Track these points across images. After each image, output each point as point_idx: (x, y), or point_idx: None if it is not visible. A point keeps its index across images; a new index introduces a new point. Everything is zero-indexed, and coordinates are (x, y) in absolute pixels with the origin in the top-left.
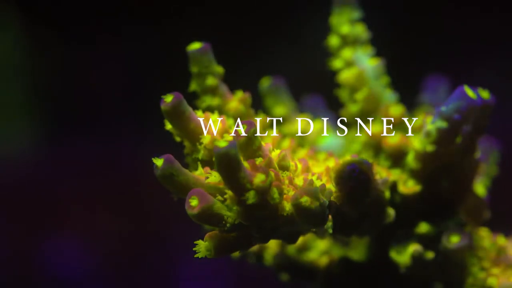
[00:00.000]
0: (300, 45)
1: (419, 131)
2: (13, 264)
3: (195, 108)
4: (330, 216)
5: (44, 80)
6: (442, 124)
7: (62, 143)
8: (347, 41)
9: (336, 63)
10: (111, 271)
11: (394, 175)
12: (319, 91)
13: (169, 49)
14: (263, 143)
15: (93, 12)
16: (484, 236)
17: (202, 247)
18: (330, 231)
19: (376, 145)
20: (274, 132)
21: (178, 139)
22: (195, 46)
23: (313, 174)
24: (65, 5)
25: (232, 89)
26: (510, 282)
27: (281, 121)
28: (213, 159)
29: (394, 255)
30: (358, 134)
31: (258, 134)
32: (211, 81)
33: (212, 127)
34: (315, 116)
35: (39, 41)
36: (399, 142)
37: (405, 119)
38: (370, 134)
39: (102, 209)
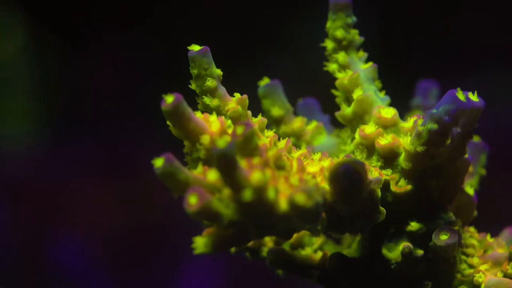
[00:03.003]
0: (296, 49)
1: (410, 133)
2: (17, 260)
3: (195, 109)
4: (324, 214)
5: (48, 80)
6: (433, 126)
7: (66, 142)
8: (341, 45)
9: (331, 67)
10: (113, 266)
11: (386, 175)
12: (314, 94)
13: (169, 52)
14: (260, 143)
15: (96, 15)
16: (472, 234)
17: (200, 243)
18: (323, 228)
19: (369, 146)
20: (271, 133)
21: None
22: (195, 48)
23: (308, 174)
24: (70, 9)
25: (230, 91)
26: (496, 278)
27: (278, 122)
28: (213, 158)
29: (386, 252)
30: (352, 135)
31: (255, 134)
32: (210, 82)
33: (211, 128)
34: (310, 118)
35: (44, 43)
36: (391, 143)
37: (397, 121)
38: (363, 136)
39: (106, 206)
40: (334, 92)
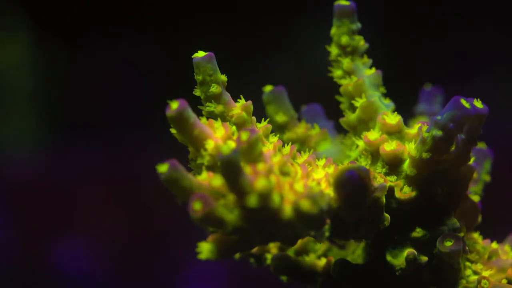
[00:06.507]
0: (300, 54)
1: (415, 139)
2: (19, 265)
3: (200, 115)
4: (328, 220)
5: (50, 85)
6: (437, 132)
7: (69, 146)
8: (346, 51)
9: (336, 73)
10: (115, 271)
11: (390, 181)
12: (318, 99)
13: (173, 56)
14: (264, 150)
15: (100, 19)
16: (477, 240)
17: (204, 249)
18: (328, 234)
19: (373, 152)
20: (275, 139)
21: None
22: (200, 54)
23: (313, 180)
24: (72, 13)
25: (235, 97)
26: (501, 285)
27: (282, 128)
28: (218, 164)
29: (390, 258)
30: (356, 141)
31: (259, 140)
32: (214, 89)
33: (216, 134)
34: (315, 124)
35: (47, 47)
36: (396, 149)
37: (402, 128)
38: (368, 142)
39: (109, 210)
40: (338, 98)
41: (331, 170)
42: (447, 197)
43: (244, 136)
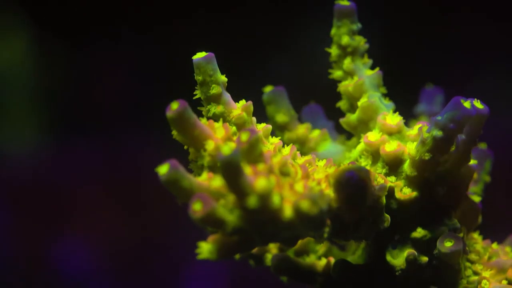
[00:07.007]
0: (300, 55)
1: (415, 140)
2: (18, 265)
3: (200, 115)
4: (328, 221)
5: (51, 85)
6: (438, 133)
7: (69, 147)
8: (346, 52)
9: (336, 73)
10: (115, 271)
11: (391, 182)
12: (318, 100)
13: (174, 56)
14: (264, 150)
15: (100, 19)
16: (477, 240)
17: (204, 249)
18: (328, 235)
19: (373, 153)
20: (276, 139)
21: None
22: (200, 55)
23: (313, 180)
24: (72, 13)
25: (235, 97)
26: (502, 285)
27: (282, 128)
28: (218, 165)
29: (390, 258)
30: (357, 141)
31: (260, 141)
32: (215, 89)
33: (216, 135)
34: (315, 124)
35: (47, 47)
36: (396, 150)
37: (402, 128)
38: (368, 142)
39: (109, 210)
40: (338, 99)
41: (331, 170)
42: (448, 198)
43: (244, 136)
